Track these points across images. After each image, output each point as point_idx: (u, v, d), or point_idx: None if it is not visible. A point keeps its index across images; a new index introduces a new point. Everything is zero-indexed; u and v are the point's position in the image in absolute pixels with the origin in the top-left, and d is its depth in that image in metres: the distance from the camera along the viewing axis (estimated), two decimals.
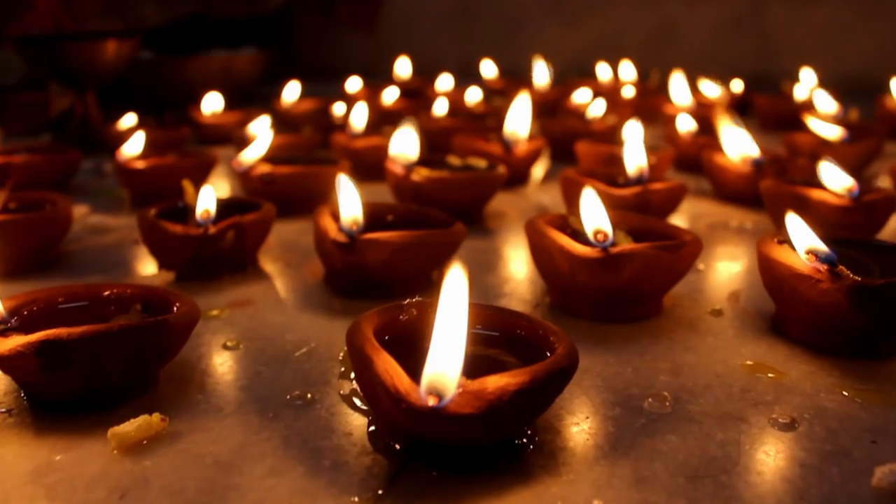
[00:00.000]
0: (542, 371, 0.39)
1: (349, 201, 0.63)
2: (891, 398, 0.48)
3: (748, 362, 0.53)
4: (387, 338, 0.45)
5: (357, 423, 0.45)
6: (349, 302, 0.63)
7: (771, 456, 0.42)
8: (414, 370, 0.39)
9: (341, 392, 0.49)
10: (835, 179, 0.74)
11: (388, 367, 0.39)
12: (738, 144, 0.91)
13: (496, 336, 0.47)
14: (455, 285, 0.40)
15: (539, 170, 1.13)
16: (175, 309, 0.51)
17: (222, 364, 0.53)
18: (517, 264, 0.72)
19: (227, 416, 0.46)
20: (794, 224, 0.56)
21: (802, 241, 0.55)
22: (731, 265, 0.72)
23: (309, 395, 0.48)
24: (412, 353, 0.43)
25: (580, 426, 0.45)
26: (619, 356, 0.53)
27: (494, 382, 0.38)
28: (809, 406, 0.47)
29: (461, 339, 0.39)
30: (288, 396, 0.48)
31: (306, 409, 0.47)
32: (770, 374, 0.51)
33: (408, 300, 0.47)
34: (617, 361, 0.53)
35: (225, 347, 0.55)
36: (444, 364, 0.38)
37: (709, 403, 0.47)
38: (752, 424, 0.45)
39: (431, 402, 0.37)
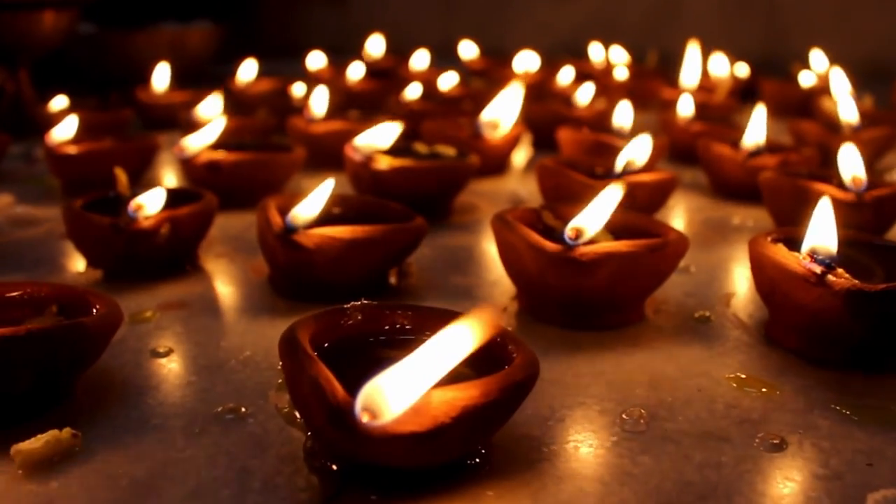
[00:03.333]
0: (495, 385, 0.38)
1: (314, 199, 0.62)
2: (890, 417, 0.48)
3: (735, 375, 0.52)
4: (326, 346, 0.44)
5: (294, 440, 0.44)
6: (295, 304, 0.62)
7: (754, 480, 0.41)
8: (357, 383, 0.38)
9: (278, 405, 0.48)
10: (851, 169, 0.74)
11: (322, 378, 0.38)
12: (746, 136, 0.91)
13: None
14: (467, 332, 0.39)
15: (520, 158, 1.12)
16: (94, 311, 0.50)
17: (148, 373, 0.52)
18: (486, 264, 0.72)
19: (148, 432, 0.45)
20: (820, 219, 0.55)
21: (813, 239, 0.54)
22: (725, 267, 0.72)
23: (242, 409, 0.48)
24: (356, 363, 0.42)
25: (542, 445, 0.44)
26: (592, 367, 0.53)
27: (440, 397, 0.37)
28: (801, 424, 0.47)
29: (434, 372, 0.38)
30: (219, 409, 0.48)
31: (237, 425, 0.46)
32: (759, 389, 0.51)
33: (351, 303, 0.47)
34: (589, 373, 0.52)
35: (153, 354, 0.54)
36: (394, 380, 0.37)
37: (688, 421, 0.47)
38: (736, 445, 0.44)
39: (366, 418, 0.36)
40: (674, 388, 0.50)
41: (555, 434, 0.45)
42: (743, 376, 0.52)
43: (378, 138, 0.81)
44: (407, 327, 0.47)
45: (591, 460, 0.43)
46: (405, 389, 0.37)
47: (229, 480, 0.41)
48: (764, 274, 0.56)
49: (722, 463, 0.43)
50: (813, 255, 0.53)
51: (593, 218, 0.57)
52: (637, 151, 0.79)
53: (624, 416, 0.47)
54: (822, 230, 0.55)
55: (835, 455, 0.44)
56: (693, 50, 1.46)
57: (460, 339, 0.39)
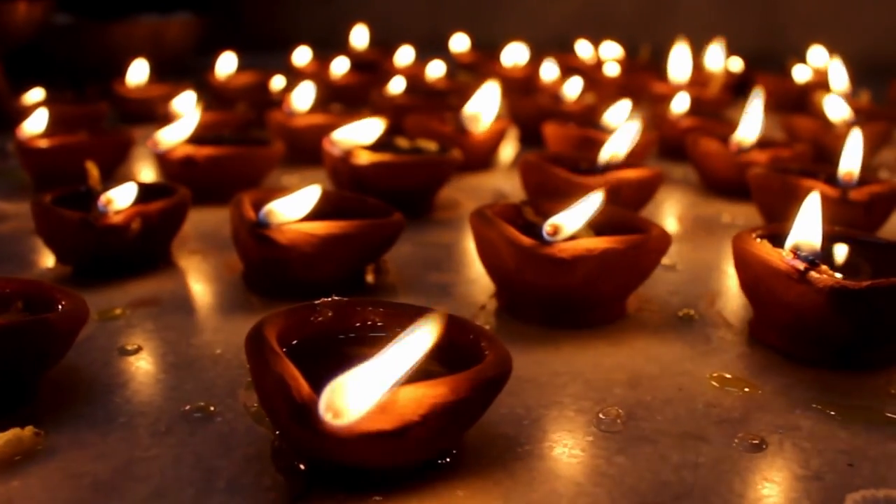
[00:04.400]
0: (465, 382, 0.39)
1: (298, 200, 0.62)
2: (874, 416, 0.48)
3: (717, 374, 0.53)
4: (295, 343, 0.44)
5: (262, 439, 0.45)
6: (270, 301, 0.62)
7: (732, 481, 0.42)
8: (325, 381, 0.38)
9: (247, 404, 0.48)
10: (850, 161, 0.74)
11: (287, 375, 0.38)
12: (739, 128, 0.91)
13: None
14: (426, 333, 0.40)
15: (506, 154, 1.12)
16: (60, 308, 0.50)
17: (115, 371, 0.52)
18: (466, 261, 0.72)
19: (113, 431, 0.45)
20: (806, 215, 0.55)
21: (797, 235, 0.54)
22: (712, 265, 0.72)
23: (211, 408, 0.48)
24: (325, 361, 0.42)
25: (515, 445, 0.44)
26: (570, 366, 0.53)
27: (407, 395, 0.37)
28: (782, 424, 0.47)
29: (397, 371, 0.38)
30: (186, 408, 0.48)
31: (204, 423, 0.46)
32: (741, 388, 0.51)
33: (321, 299, 0.47)
34: (567, 372, 0.52)
35: (122, 352, 0.55)
36: (358, 378, 0.37)
37: (667, 421, 0.47)
38: (714, 445, 0.45)
39: (329, 417, 0.36)
40: (653, 388, 0.51)
41: (529, 434, 0.45)
42: (725, 375, 0.52)
43: (358, 133, 0.81)
44: (378, 324, 0.47)
45: (566, 460, 0.43)
46: (369, 388, 0.37)
47: (194, 480, 0.41)
48: (747, 271, 0.56)
49: (699, 463, 0.43)
50: (796, 251, 0.53)
51: (574, 216, 0.58)
52: (621, 144, 0.79)
53: (601, 415, 0.47)
54: (808, 226, 0.55)
55: (815, 455, 0.44)
56: (681, 44, 1.46)
57: (421, 337, 0.39)
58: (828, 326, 0.52)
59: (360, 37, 1.81)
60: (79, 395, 0.49)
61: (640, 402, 0.49)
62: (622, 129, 0.80)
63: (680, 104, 1.13)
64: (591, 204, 0.59)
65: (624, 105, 0.99)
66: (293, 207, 0.61)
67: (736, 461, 0.43)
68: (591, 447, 0.44)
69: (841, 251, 0.60)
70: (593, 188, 0.71)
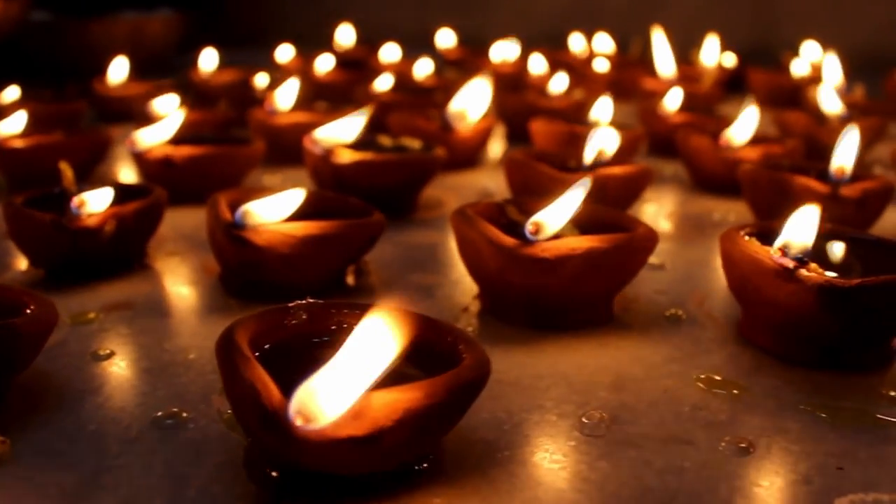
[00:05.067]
0: (441, 386, 0.38)
1: (276, 201, 0.61)
2: (864, 418, 0.48)
3: (705, 376, 0.52)
4: (267, 347, 0.44)
5: (234, 446, 0.44)
6: (247, 304, 0.62)
7: (717, 487, 0.41)
8: (298, 387, 0.38)
9: (221, 410, 0.47)
10: (843, 157, 0.74)
11: (257, 380, 0.38)
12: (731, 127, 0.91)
13: None
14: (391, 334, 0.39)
15: (493, 151, 1.12)
16: (27, 312, 0.49)
17: (87, 377, 0.51)
18: (449, 262, 0.71)
19: (82, 439, 0.45)
20: (800, 215, 0.55)
21: (788, 234, 0.54)
22: (701, 263, 0.72)
23: (183, 414, 0.47)
24: (299, 366, 0.41)
25: (495, 450, 0.44)
26: (554, 368, 0.53)
27: (380, 399, 0.37)
28: (770, 427, 0.46)
29: (369, 372, 0.37)
30: (158, 414, 0.47)
31: (176, 430, 0.46)
32: (728, 390, 0.51)
33: (296, 302, 0.46)
34: (550, 374, 0.52)
35: (94, 358, 0.54)
36: (328, 381, 0.36)
37: (651, 424, 0.47)
38: (700, 449, 0.44)
39: (300, 422, 0.36)
40: (638, 390, 0.50)
41: (510, 439, 0.45)
42: (713, 377, 0.52)
43: (340, 130, 0.81)
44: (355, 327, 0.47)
45: (547, 466, 0.43)
46: (340, 391, 0.36)
47: (163, 489, 0.41)
48: (735, 269, 0.56)
49: (684, 468, 0.43)
50: (785, 249, 0.53)
51: (557, 213, 0.57)
52: (607, 141, 0.78)
53: (584, 419, 0.47)
54: (800, 226, 0.55)
55: (804, 459, 0.44)
56: (660, 35, 1.46)
57: (386, 335, 0.38)
58: (817, 326, 0.51)
59: (346, 34, 1.80)
60: (48, 402, 0.48)
61: (624, 405, 0.49)
62: (604, 127, 0.80)
63: (672, 100, 1.13)
64: (573, 198, 0.58)
65: (606, 100, 0.98)
66: (272, 209, 0.61)
67: (722, 465, 0.43)
68: (574, 452, 0.44)
69: (831, 249, 0.59)
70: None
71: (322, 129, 0.81)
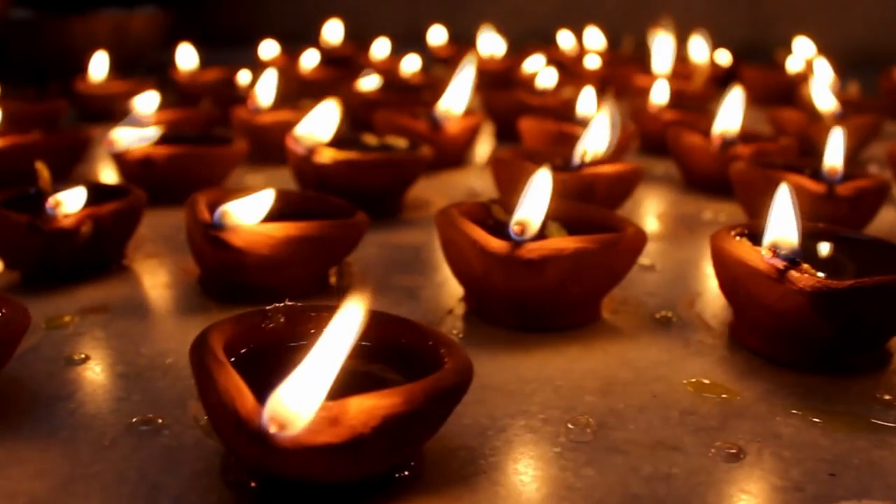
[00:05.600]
0: (420, 392, 0.38)
1: (252, 201, 0.61)
2: (858, 423, 0.47)
3: (695, 380, 0.52)
4: (243, 351, 0.43)
5: (211, 454, 0.43)
6: (227, 307, 0.61)
7: (706, 493, 0.41)
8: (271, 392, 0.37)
9: (197, 417, 0.47)
10: (833, 156, 0.74)
11: (231, 386, 0.37)
12: (718, 121, 0.91)
13: (379, 348, 0.45)
14: (347, 319, 0.39)
15: (482, 150, 1.11)
16: None
17: (60, 383, 0.51)
18: (434, 263, 0.71)
19: (54, 446, 0.44)
20: (780, 209, 0.55)
21: (774, 231, 0.54)
22: (692, 264, 0.71)
23: (158, 420, 0.47)
24: (276, 370, 0.41)
25: (478, 457, 0.43)
26: (539, 372, 0.52)
27: (358, 405, 0.36)
28: (761, 432, 0.46)
29: (331, 367, 0.37)
30: (133, 420, 0.47)
31: (151, 437, 0.45)
32: (719, 395, 0.50)
33: (273, 304, 0.46)
34: (535, 378, 0.51)
35: (68, 362, 0.53)
36: (298, 385, 0.36)
37: (639, 430, 0.46)
38: (689, 455, 0.44)
39: (273, 429, 0.35)
40: (626, 395, 0.50)
41: (494, 445, 0.44)
42: (703, 381, 0.52)
43: (318, 124, 0.80)
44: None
45: (531, 473, 0.42)
46: (311, 393, 0.36)
47: (137, 497, 0.40)
48: (726, 271, 0.55)
49: (672, 475, 0.42)
50: (775, 249, 0.52)
51: (534, 208, 0.57)
52: (596, 139, 0.78)
53: (569, 425, 0.46)
54: (783, 221, 0.55)
55: (796, 465, 0.43)
56: (663, 35, 1.46)
57: (348, 327, 0.38)
58: (810, 329, 0.51)
59: (333, 31, 1.79)
60: (20, 408, 0.48)
61: (611, 410, 0.48)
62: (594, 123, 0.79)
63: (660, 95, 1.12)
64: (543, 186, 0.58)
65: (590, 93, 0.98)
66: (250, 209, 0.60)
67: (712, 472, 0.42)
68: (559, 459, 0.43)
69: (824, 249, 0.59)
70: (567, 185, 0.70)
71: (302, 126, 0.81)
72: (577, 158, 0.77)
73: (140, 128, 0.86)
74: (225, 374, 0.38)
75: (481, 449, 0.44)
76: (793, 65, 1.49)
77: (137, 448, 0.44)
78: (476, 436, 0.45)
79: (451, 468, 0.42)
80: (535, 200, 0.58)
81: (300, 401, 0.36)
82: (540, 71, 1.34)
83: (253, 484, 0.40)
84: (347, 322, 0.39)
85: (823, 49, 1.55)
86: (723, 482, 0.42)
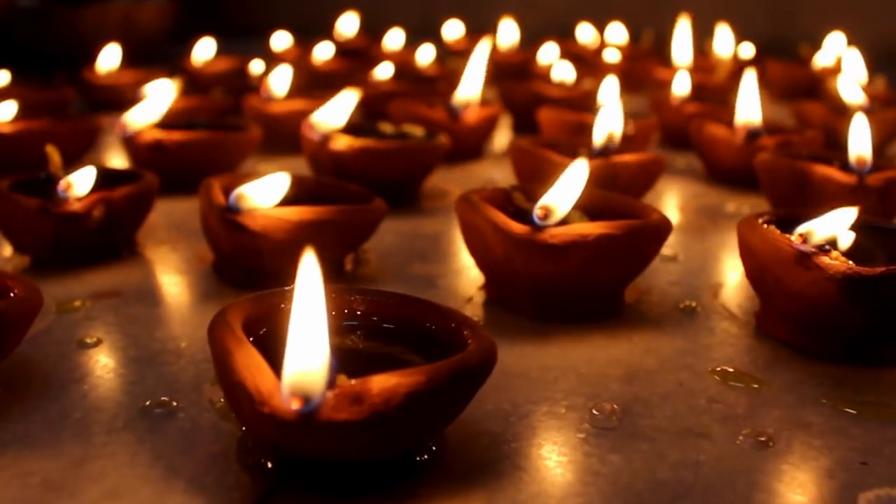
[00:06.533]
0: (444, 371, 0.37)
1: (265, 183, 0.61)
2: (888, 412, 0.47)
3: (721, 368, 0.52)
4: (263, 331, 0.43)
5: (226, 435, 0.43)
6: (241, 293, 0.61)
7: (735, 481, 0.41)
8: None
9: (212, 400, 0.47)
10: (858, 146, 0.73)
11: (252, 363, 0.37)
12: (739, 112, 0.90)
13: (401, 330, 0.45)
14: (306, 269, 0.39)
15: (500, 141, 1.11)
16: (11, 296, 0.49)
17: (72, 365, 0.51)
18: (453, 252, 0.71)
19: (66, 428, 0.44)
20: (835, 216, 0.55)
21: (815, 225, 0.53)
22: (716, 255, 0.71)
23: (173, 403, 0.47)
24: None
25: (501, 442, 0.43)
26: (563, 360, 0.52)
27: (381, 383, 0.36)
28: (789, 421, 0.46)
29: (321, 327, 0.37)
30: (147, 403, 0.47)
31: (166, 419, 0.45)
32: (746, 383, 0.50)
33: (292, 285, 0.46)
34: (559, 366, 0.51)
35: (80, 346, 0.53)
36: (308, 358, 0.36)
37: (665, 417, 0.46)
38: (716, 443, 0.44)
39: (295, 405, 0.35)
40: (651, 383, 0.50)
41: (516, 431, 0.44)
42: (729, 370, 0.52)
43: (335, 112, 0.80)
44: (356, 312, 0.46)
45: (555, 458, 0.42)
46: (326, 367, 0.36)
47: (152, 479, 0.40)
48: (753, 258, 0.55)
49: (700, 462, 0.42)
50: (806, 236, 0.52)
51: (564, 196, 0.57)
52: (614, 124, 0.78)
53: (594, 411, 0.46)
54: (831, 222, 0.54)
55: (826, 453, 0.43)
56: (684, 26, 1.45)
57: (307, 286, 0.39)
58: (840, 317, 0.51)
59: (348, 24, 1.79)
60: (31, 390, 0.48)
61: (637, 397, 0.48)
62: (607, 108, 0.79)
63: (681, 86, 1.12)
64: (577, 179, 0.58)
65: (615, 85, 0.98)
66: (266, 192, 0.60)
67: (740, 460, 0.42)
68: (584, 445, 0.43)
69: (853, 238, 0.59)
70: (591, 173, 0.70)
71: (318, 113, 0.81)
72: (597, 145, 0.77)
73: (148, 104, 0.86)
74: (244, 352, 0.38)
75: (504, 434, 0.44)
76: (821, 59, 1.49)
77: (152, 430, 0.44)
78: (499, 421, 0.45)
79: (474, 453, 0.42)
80: (566, 189, 0.57)
81: (319, 374, 0.36)
82: (555, 62, 1.33)
83: (269, 465, 0.40)
84: (309, 284, 0.39)
85: (849, 43, 1.54)
86: (752, 470, 0.42)
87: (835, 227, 0.54)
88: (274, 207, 0.59)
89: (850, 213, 0.55)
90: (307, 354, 0.36)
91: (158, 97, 0.87)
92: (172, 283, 0.64)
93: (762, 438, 0.44)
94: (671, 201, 0.87)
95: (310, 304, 0.38)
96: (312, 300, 0.38)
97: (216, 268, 0.65)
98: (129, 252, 0.69)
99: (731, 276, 0.66)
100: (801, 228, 0.53)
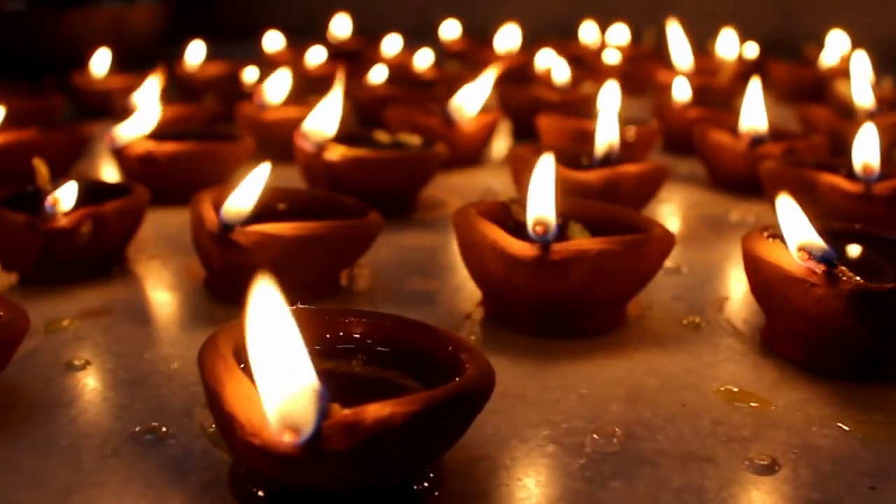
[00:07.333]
0: (441, 398, 0.37)
1: (248, 188, 0.61)
2: None
3: (725, 388, 0.51)
4: None
5: (218, 463, 0.43)
6: (234, 310, 0.60)
7: None
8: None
9: (204, 425, 0.47)
10: (865, 154, 0.73)
11: (243, 393, 0.37)
12: (743, 115, 0.90)
13: (396, 353, 0.45)
14: (263, 291, 0.38)
15: (499, 148, 1.11)
16: None
17: (60, 389, 0.51)
18: (450, 265, 0.71)
19: (54, 455, 0.44)
20: (787, 210, 0.54)
21: (795, 233, 0.53)
22: (720, 267, 0.71)
23: (163, 429, 0.46)
24: None
25: (500, 468, 0.43)
26: (563, 380, 0.52)
27: (376, 412, 0.36)
28: (797, 443, 0.46)
29: (300, 355, 0.37)
30: (136, 429, 0.46)
31: (156, 446, 0.45)
32: (751, 403, 0.50)
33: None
34: (559, 386, 0.51)
35: (68, 368, 0.53)
36: (294, 387, 0.36)
37: (669, 440, 0.46)
38: (721, 466, 0.43)
39: (287, 437, 0.35)
40: (654, 404, 0.49)
41: (516, 456, 0.44)
42: (734, 389, 0.51)
43: (326, 119, 0.80)
44: (351, 335, 0.46)
45: (556, 484, 0.42)
46: (316, 396, 0.35)
47: None
48: (758, 274, 0.55)
49: (704, 487, 0.42)
50: (810, 251, 0.52)
51: (546, 203, 0.56)
52: (613, 131, 0.77)
53: (595, 435, 0.46)
54: (799, 223, 0.54)
55: (834, 478, 0.43)
56: (679, 29, 1.45)
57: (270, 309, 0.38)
58: (848, 335, 0.51)
59: (342, 26, 1.79)
60: (18, 415, 0.48)
61: (639, 419, 0.48)
62: (609, 114, 0.79)
63: (681, 91, 1.12)
64: (546, 178, 0.57)
65: (616, 90, 0.98)
66: (246, 195, 0.60)
67: (745, 484, 0.42)
68: (584, 471, 0.43)
69: (858, 251, 0.58)
70: (591, 184, 0.70)
71: (310, 121, 0.80)
72: (598, 154, 0.77)
73: (139, 117, 0.86)
74: (235, 381, 0.38)
75: (503, 460, 0.44)
76: (825, 59, 1.48)
77: (142, 457, 0.44)
78: (498, 446, 0.45)
79: (472, 480, 0.42)
80: (543, 195, 0.57)
81: (308, 404, 0.35)
82: (553, 66, 1.33)
83: (261, 494, 0.40)
84: (268, 307, 0.39)
85: (855, 43, 1.54)
86: (756, 495, 0.41)
87: (805, 228, 0.54)
88: (266, 223, 0.59)
89: (791, 205, 0.55)
90: (292, 383, 0.36)
91: (148, 110, 0.87)
92: (163, 301, 0.64)
93: (767, 463, 0.44)
94: (674, 209, 0.87)
95: (280, 332, 0.37)
96: (281, 327, 0.37)
97: (208, 284, 0.65)
98: (118, 267, 0.69)
99: (737, 288, 0.66)
100: (795, 243, 0.53)
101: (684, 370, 0.54)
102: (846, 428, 0.47)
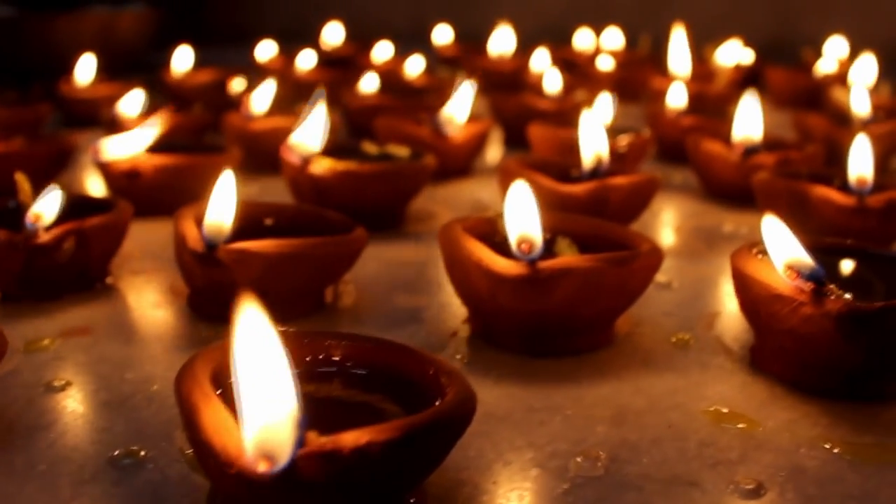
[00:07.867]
0: (420, 425, 0.37)
1: (221, 201, 0.61)
2: (888, 455, 0.47)
3: (713, 408, 0.51)
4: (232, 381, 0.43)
5: (197, 489, 0.43)
6: (218, 329, 0.61)
7: None
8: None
9: (183, 449, 0.47)
10: (859, 166, 0.73)
11: (219, 421, 0.37)
12: (737, 126, 0.90)
13: (377, 377, 0.45)
14: (249, 312, 0.39)
15: (490, 156, 1.11)
16: None
17: (39, 411, 0.51)
18: (438, 281, 0.70)
19: (31, 480, 0.44)
20: (774, 229, 0.54)
21: (782, 252, 0.53)
22: (712, 282, 0.71)
23: (142, 453, 0.46)
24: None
25: (482, 493, 0.43)
26: (548, 400, 0.52)
27: (353, 440, 0.36)
28: (784, 465, 0.46)
29: (284, 380, 0.37)
30: (115, 453, 0.46)
31: (134, 471, 0.45)
32: (739, 424, 0.50)
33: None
34: (544, 407, 0.51)
35: (47, 389, 0.53)
36: (271, 414, 0.36)
37: (654, 463, 0.46)
38: (707, 491, 0.43)
39: (262, 467, 0.35)
40: (640, 425, 0.49)
41: (498, 480, 0.44)
42: (722, 410, 0.51)
43: (312, 131, 0.80)
44: (332, 358, 0.46)
45: None
46: (293, 424, 0.35)
47: None
48: (747, 292, 0.55)
49: None
50: (798, 269, 0.52)
51: (529, 221, 0.57)
52: (601, 144, 0.77)
53: (579, 458, 0.46)
54: (787, 240, 0.54)
55: (821, 502, 0.43)
56: (680, 33, 1.45)
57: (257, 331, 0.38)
58: (836, 354, 0.51)
59: (334, 32, 1.79)
60: None
61: (624, 441, 0.48)
62: (596, 126, 0.79)
63: (676, 98, 1.12)
64: (524, 200, 0.58)
65: (610, 101, 0.98)
66: (222, 209, 0.60)
67: None
68: (567, 496, 0.43)
69: (850, 267, 0.58)
70: (579, 198, 0.70)
71: (297, 134, 0.80)
72: (586, 167, 0.77)
73: (129, 134, 0.86)
74: (211, 409, 0.38)
75: (485, 484, 0.44)
76: (822, 66, 1.48)
77: (119, 483, 0.44)
78: (481, 469, 0.45)
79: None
80: (523, 214, 0.57)
81: (285, 432, 0.35)
82: (546, 71, 1.33)
83: None
84: (254, 330, 0.38)
85: (854, 48, 1.54)
86: None
87: (791, 245, 0.54)
88: (248, 241, 0.59)
89: (776, 223, 0.55)
90: (270, 410, 0.36)
91: (139, 131, 0.87)
92: (146, 319, 0.64)
93: (754, 486, 0.44)
94: (666, 221, 0.87)
95: (264, 355, 0.37)
96: (266, 350, 0.38)
97: (191, 302, 0.65)
98: (101, 284, 0.69)
99: (728, 304, 0.66)
100: (782, 261, 0.53)
101: (672, 390, 0.54)
102: (834, 449, 0.47)
